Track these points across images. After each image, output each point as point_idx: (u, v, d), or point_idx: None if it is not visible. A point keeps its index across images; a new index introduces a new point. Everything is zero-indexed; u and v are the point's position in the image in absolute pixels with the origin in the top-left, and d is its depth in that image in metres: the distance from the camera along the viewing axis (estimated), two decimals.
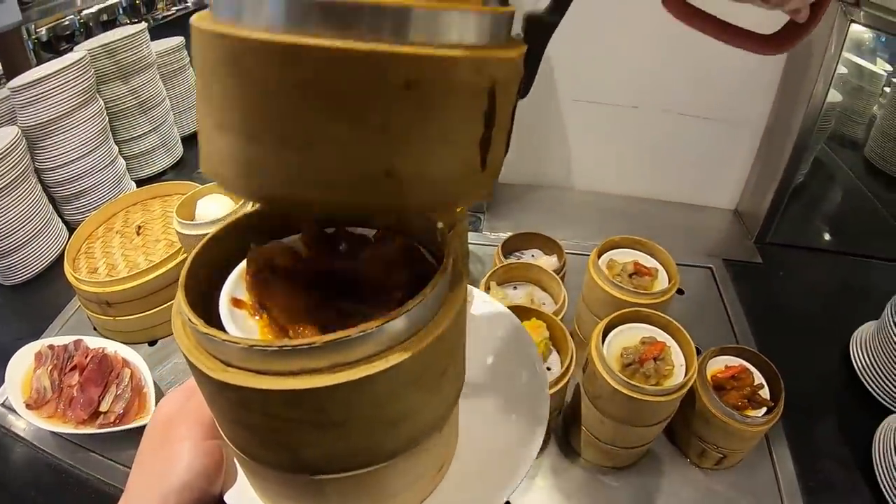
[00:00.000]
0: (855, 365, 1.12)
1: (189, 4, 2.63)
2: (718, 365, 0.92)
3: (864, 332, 1.16)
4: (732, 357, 0.93)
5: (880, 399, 1.05)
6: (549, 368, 0.86)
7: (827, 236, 1.58)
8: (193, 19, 0.29)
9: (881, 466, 0.92)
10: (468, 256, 1.24)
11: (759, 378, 0.90)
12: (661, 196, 1.58)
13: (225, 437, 0.36)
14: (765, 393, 0.88)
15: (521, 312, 0.89)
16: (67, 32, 2.03)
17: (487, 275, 0.99)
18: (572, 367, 0.83)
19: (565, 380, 0.81)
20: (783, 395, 0.85)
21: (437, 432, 0.36)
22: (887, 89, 1.61)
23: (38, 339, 1.17)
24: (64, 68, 1.29)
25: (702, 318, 1.21)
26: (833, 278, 1.42)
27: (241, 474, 0.40)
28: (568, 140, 1.52)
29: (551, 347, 0.88)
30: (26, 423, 1.00)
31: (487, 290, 0.97)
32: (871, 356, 1.10)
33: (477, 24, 0.27)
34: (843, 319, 1.22)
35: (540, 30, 0.34)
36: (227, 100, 0.27)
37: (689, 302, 1.25)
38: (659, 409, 0.80)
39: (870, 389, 1.07)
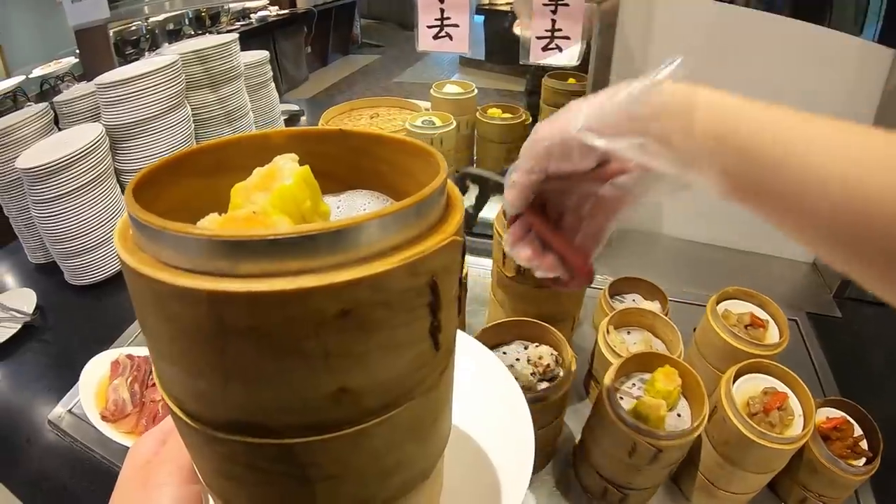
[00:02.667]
0: None
1: (253, 21, 2.64)
2: (821, 416, 0.91)
3: None
4: (833, 409, 0.92)
5: None
6: (679, 415, 0.83)
7: None
8: (117, 234, 0.28)
9: None
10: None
11: (858, 430, 0.89)
12: (744, 246, 1.57)
13: (204, 482, 0.35)
14: (864, 444, 0.87)
15: (654, 359, 0.86)
16: (134, 38, 2.03)
17: (607, 319, 0.96)
18: (706, 416, 0.80)
19: (701, 428, 0.78)
20: (882, 447, 0.84)
21: (427, 479, 0.36)
22: None
23: (108, 345, 1.13)
24: (156, 70, 1.27)
25: (792, 370, 1.19)
26: None
27: None
28: None
29: (680, 395, 0.85)
30: (97, 434, 0.94)
31: (607, 332, 0.94)
32: None
33: (403, 219, 0.26)
34: None
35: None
36: (163, 336, 0.27)
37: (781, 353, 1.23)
38: (780, 456, 0.80)
39: None
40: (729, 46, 1.29)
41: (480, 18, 6.34)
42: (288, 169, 0.32)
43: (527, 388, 0.80)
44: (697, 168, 0.43)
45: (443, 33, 1.16)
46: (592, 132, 0.46)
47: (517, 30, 1.22)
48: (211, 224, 0.30)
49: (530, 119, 1.52)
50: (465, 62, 5.77)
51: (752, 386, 0.86)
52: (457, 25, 1.15)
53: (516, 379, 0.80)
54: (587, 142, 0.46)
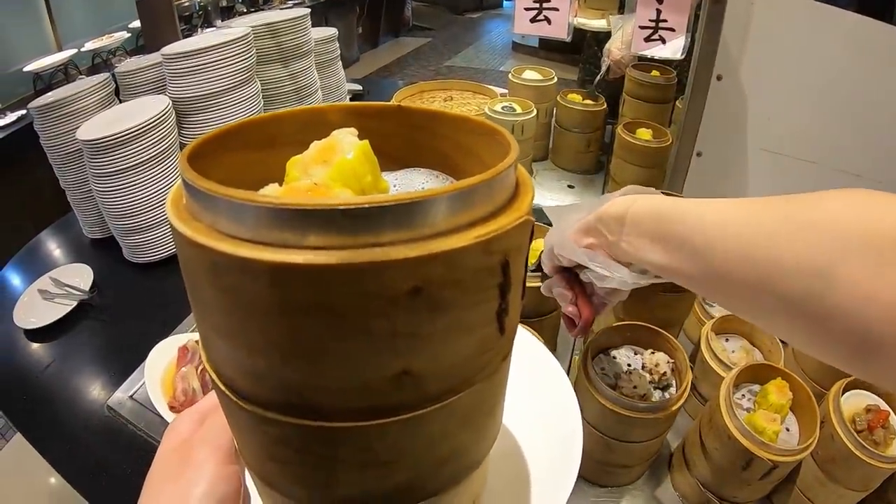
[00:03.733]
0: None
1: (305, 1, 2.59)
2: None
3: None
4: None
5: None
6: (787, 429, 0.80)
7: None
8: (169, 202, 0.26)
9: None
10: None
11: None
12: None
13: (246, 464, 0.35)
14: None
15: (767, 371, 0.82)
16: (187, 14, 1.99)
17: (709, 325, 0.91)
18: (818, 431, 0.77)
19: (813, 445, 0.75)
20: None
21: (476, 470, 0.35)
22: None
23: (170, 328, 1.09)
24: (227, 42, 1.22)
25: None
26: None
27: (257, 500, 0.38)
28: (747, 187, 1.47)
29: (790, 410, 0.81)
30: (164, 424, 0.89)
31: (709, 339, 0.89)
32: None
33: (480, 195, 0.25)
34: None
35: None
36: (219, 309, 0.25)
37: None
38: (882, 475, 0.78)
39: None
40: (825, 49, 1.25)
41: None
42: (348, 143, 0.31)
43: (643, 398, 0.76)
44: (635, 259, 0.52)
45: (541, 17, 1.10)
46: (556, 250, 0.61)
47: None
48: (272, 193, 0.29)
49: (607, 107, 1.46)
50: (518, 48, 5.74)
51: (855, 402, 0.84)
52: (556, 9, 1.09)
53: (634, 387, 0.75)
54: (557, 256, 0.61)
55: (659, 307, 0.88)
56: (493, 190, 0.26)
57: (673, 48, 1.07)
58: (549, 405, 0.52)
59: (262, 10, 2.41)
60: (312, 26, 1.53)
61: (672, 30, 1.06)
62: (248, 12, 1.89)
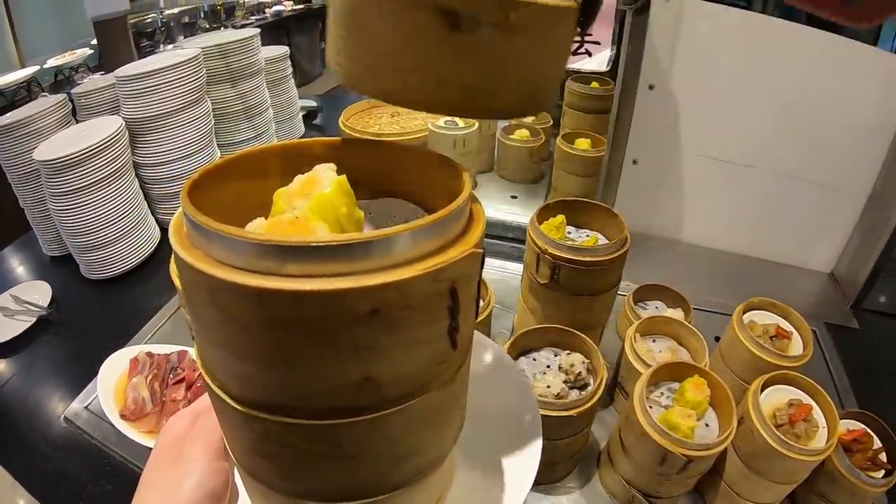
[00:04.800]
0: None
1: (267, 15, 2.63)
2: (841, 428, 0.90)
3: None
4: (853, 421, 0.92)
5: None
6: (707, 425, 0.83)
7: None
8: (172, 229, 0.32)
9: None
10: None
11: (877, 442, 0.90)
12: (762, 254, 1.56)
13: (235, 459, 0.38)
14: (883, 456, 0.88)
15: (684, 369, 0.85)
16: (149, 30, 2.01)
17: (634, 326, 0.95)
18: (734, 426, 0.80)
19: (730, 440, 0.78)
20: None
21: (439, 467, 0.39)
22: None
23: (125, 341, 1.12)
24: (177, 64, 1.26)
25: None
26: None
27: (244, 495, 0.42)
28: (684, 193, 1.52)
29: (709, 406, 0.85)
30: (116, 432, 0.92)
31: (634, 340, 0.93)
32: None
33: (433, 232, 0.30)
34: None
35: None
36: (212, 322, 0.30)
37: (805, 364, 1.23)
38: (805, 468, 0.80)
39: None
40: (755, 55, 1.30)
41: None
42: (327, 178, 0.35)
43: (559, 397, 0.80)
44: None
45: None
46: None
47: None
48: (257, 228, 0.34)
49: (552, 122, 1.51)
50: None
51: (777, 397, 0.87)
52: (598, 43, 1.12)
53: (548, 386, 0.80)
54: None
55: (578, 310, 0.92)
56: (446, 227, 0.31)
57: (599, 60, 1.12)
58: (510, 406, 0.56)
59: (225, 25, 2.45)
60: (274, 43, 1.57)
61: (597, 43, 1.11)
62: (211, 28, 1.92)
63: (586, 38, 1.10)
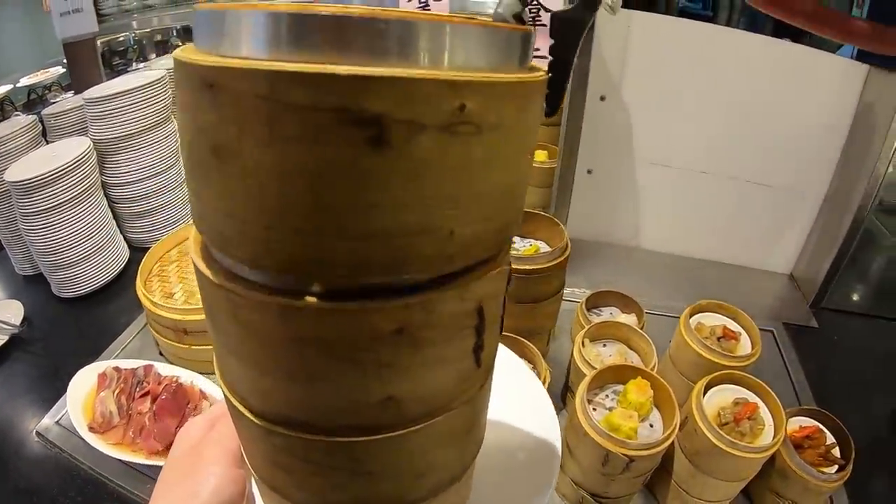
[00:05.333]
0: None
1: None
2: (794, 425, 0.94)
3: None
4: (805, 418, 0.95)
5: None
6: (651, 426, 0.86)
7: (876, 303, 1.58)
8: (192, 246, 0.30)
9: None
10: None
11: (830, 438, 0.92)
12: (722, 258, 1.60)
13: (251, 468, 0.37)
14: (836, 452, 0.90)
15: (627, 372, 0.89)
16: (121, 49, 2.03)
17: (582, 332, 0.98)
18: (677, 427, 0.83)
19: (671, 439, 0.81)
20: (853, 455, 0.88)
21: (456, 483, 0.38)
22: None
23: (95, 356, 1.15)
24: (144, 85, 1.28)
25: (767, 380, 1.22)
26: (884, 343, 1.44)
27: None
28: (639, 200, 1.55)
29: (653, 406, 0.88)
30: (85, 445, 0.95)
31: (582, 345, 0.96)
32: None
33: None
34: (894, 382, 1.26)
35: (569, 29, 0.31)
36: (234, 337, 0.29)
37: (755, 363, 1.26)
38: (751, 465, 0.83)
39: None
40: (706, 64, 1.33)
41: None
42: None
43: None
44: None
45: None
46: None
47: None
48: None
49: None
50: None
51: (723, 397, 0.89)
52: (546, 57, 1.15)
53: None
54: None
55: (522, 317, 0.95)
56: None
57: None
58: (527, 417, 0.55)
59: None
60: None
61: (545, 57, 1.14)
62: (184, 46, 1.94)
63: (533, 53, 1.12)
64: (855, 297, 1.55)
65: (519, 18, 0.33)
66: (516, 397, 0.55)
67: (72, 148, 1.26)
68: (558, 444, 0.51)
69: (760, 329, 1.33)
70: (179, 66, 0.24)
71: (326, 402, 0.29)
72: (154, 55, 2.02)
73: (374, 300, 0.25)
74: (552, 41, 0.30)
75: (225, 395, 0.34)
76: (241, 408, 0.32)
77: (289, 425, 0.30)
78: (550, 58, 0.31)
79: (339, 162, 0.22)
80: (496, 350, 0.36)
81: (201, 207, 0.27)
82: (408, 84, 0.21)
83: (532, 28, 0.28)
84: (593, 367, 0.91)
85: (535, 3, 1.06)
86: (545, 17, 1.08)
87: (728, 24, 2.31)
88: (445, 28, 0.23)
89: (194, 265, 0.29)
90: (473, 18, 0.29)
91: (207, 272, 0.28)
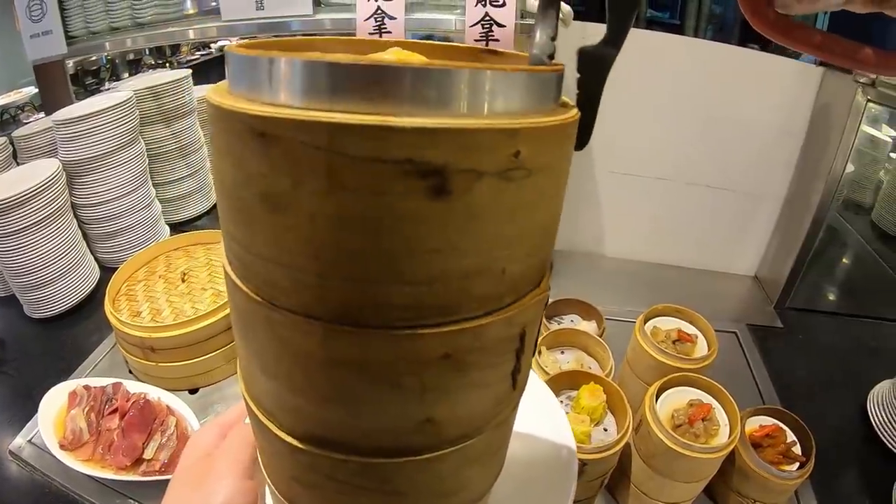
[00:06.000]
0: (873, 421, 1.15)
1: (213, 50, 2.66)
2: (754, 424, 0.96)
3: (881, 391, 1.20)
4: (766, 417, 0.97)
5: None
6: (605, 430, 0.88)
7: (841, 300, 1.62)
8: (225, 264, 0.29)
9: None
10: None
11: (791, 436, 0.93)
12: (685, 263, 1.63)
13: (269, 480, 0.37)
14: (797, 449, 0.91)
15: (580, 377, 0.90)
16: (94, 68, 2.05)
17: (539, 339, 1.00)
18: (629, 430, 0.84)
19: (623, 441, 0.83)
20: (814, 452, 0.89)
21: (481, 499, 0.38)
22: (893, 155, 1.68)
23: (66, 376, 1.16)
24: (111, 107, 1.30)
25: (730, 381, 1.22)
26: (848, 340, 1.46)
27: None
28: (602, 209, 1.57)
29: (607, 411, 0.89)
30: (57, 463, 0.96)
31: (539, 353, 0.98)
32: (888, 413, 1.13)
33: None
34: (859, 378, 1.26)
35: (596, 66, 0.33)
36: (270, 353, 0.29)
37: (718, 365, 1.28)
38: (707, 466, 0.83)
39: (888, 444, 1.11)
40: (663, 72, 1.36)
41: None
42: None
43: None
44: None
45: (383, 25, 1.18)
46: None
47: None
48: None
49: None
50: None
51: (678, 399, 0.91)
52: (394, 18, 1.18)
53: None
54: None
55: None
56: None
57: None
58: (545, 434, 0.55)
59: (170, 62, 2.48)
60: (219, 77, 1.60)
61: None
62: (156, 65, 1.97)
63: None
64: (820, 296, 1.58)
65: (552, 57, 0.35)
66: (534, 417, 0.53)
67: (41, 169, 1.27)
68: (575, 465, 0.50)
69: (724, 331, 1.37)
70: (220, 114, 0.24)
71: (362, 423, 0.28)
72: (127, 74, 2.04)
73: (427, 325, 0.25)
74: (578, 75, 0.31)
75: (249, 408, 0.33)
76: (266, 422, 0.31)
77: (319, 444, 0.29)
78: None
79: (400, 210, 0.22)
80: (529, 371, 0.36)
81: (243, 254, 0.27)
82: (470, 135, 0.22)
83: (562, 65, 0.29)
84: (546, 373, 0.93)
85: (487, 18, 1.08)
86: (498, 33, 1.11)
87: (696, 32, 2.36)
88: (498, 76, 0.23)
89: (229, 279, 0.28)
90: (512, 57, 0.35)
91: (245, 288, 0.27)
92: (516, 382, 0.32)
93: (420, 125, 0.21)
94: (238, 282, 0.28)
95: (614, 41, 0.31)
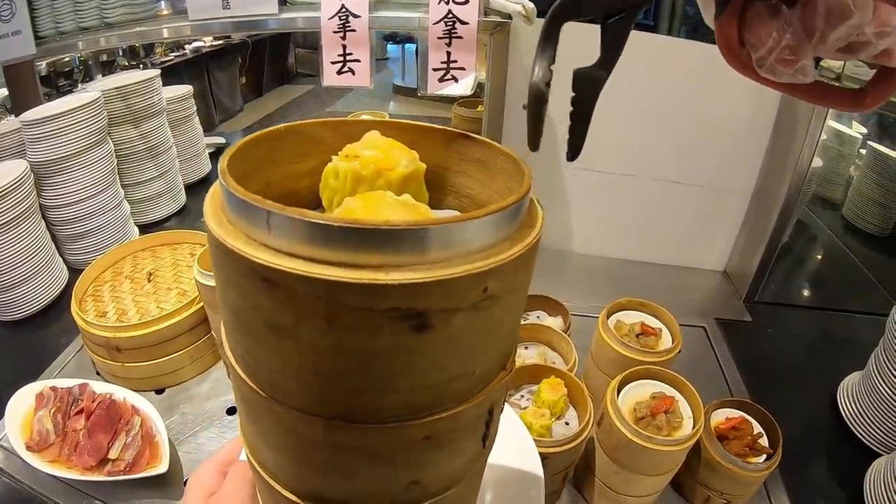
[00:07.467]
0: (843, 412, 1.17)
1: (187, 52, 2.66)
2: (720, 417, 0.96)
3: (851, 382, 1.21)
4: (732, 409, 0.97)
5: (868, 443, 1.11)
6: (567, 423, 0.88)
7: (811, 293, 1.64)
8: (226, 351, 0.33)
9: None
10: None
11: (757, 428, 0.94)
12: (655, 259, 1.64)
13: None
14: (764, 441, 0.92)
15: (540, 371, 0.91)
16: (67, 69, 2.03)
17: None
18: (591, 423, 0.85)
19: (584, 435, 0.84)
20: (781, 443, 0.89)
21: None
22: (863, 151, 1.71)
23: (34, 378, 1.15)
24: (79, 107, 1.30)
25: (698, 374, 1.24)
26: (818, 333, 1.48)
27: None
28: (569, 206, 1.58)
29: (569, 404, 0.90)
30: (25, 465, 0.96)
31: None
32: (857, 404, 1.15)
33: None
34: (829, 370, 1.28)
35: (588, 86, 0.35)
36: (274, 435, 0.33)
37: (686, 359, 1.29)
38: (671, 458, 0.84)
39: (858, 435, 1.12)
40: (626, 68, 1.36)
41: (412, 47, 6.18)
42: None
43: None
44: None
45: (346, 69, 1.21)
46: None
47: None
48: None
49: None
50: (399, 90, 5.82)
51: (641, 392, 0.91)
52: (358, 60, 1.20)
53: None
54: None
55: None
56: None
57: (464, 85, 1.19)
58: (511, 456, 0.61)
59: (144, 63, 2.47)
60: (193, 79, 1.62)
61: (462, 69, 1.17)
62: (130, 66, 1.96)
63: (452, 66, 1.16)
64: (790, 290, 1.60)
65: (548, 84, 0.37)
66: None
67: (9, 171, 1.26)
68: (542, 482, 0.57)
69: (693, 326, 1.39)
70: (224, 250, 0.26)
71: (358, 488, 0.33)
72: (100, 75, 2.03)
73: (414, 419, 0.30)
74: (573, 94, 0.34)
75: (253, 468, 0.37)
76: (271, 482, 0.36)
77: (319, 502, 0.34)
78: (571, 108, 0.36)
79: (389, 344, 0.26)
80: (497, 431, 0.39)
81: (249, 359, 0.31)
82: (447, 283, 0.25)
83: (528, 186, 0.31)
84: None
85: (450, 16, 1.09)
86: (461, 30, 1.12)
87: (669, 33, 2.38)
88: (470, 225, 0.26)
89: (234, 371, 0.32)
90: (485, 145, 0.38)
91: (251, 383, 0.31)
92: (486, 443, 0.37)
93: (407, 281, 0.24)
94: (244, 377, 0.31)
95: (606, 65, 0.34)
